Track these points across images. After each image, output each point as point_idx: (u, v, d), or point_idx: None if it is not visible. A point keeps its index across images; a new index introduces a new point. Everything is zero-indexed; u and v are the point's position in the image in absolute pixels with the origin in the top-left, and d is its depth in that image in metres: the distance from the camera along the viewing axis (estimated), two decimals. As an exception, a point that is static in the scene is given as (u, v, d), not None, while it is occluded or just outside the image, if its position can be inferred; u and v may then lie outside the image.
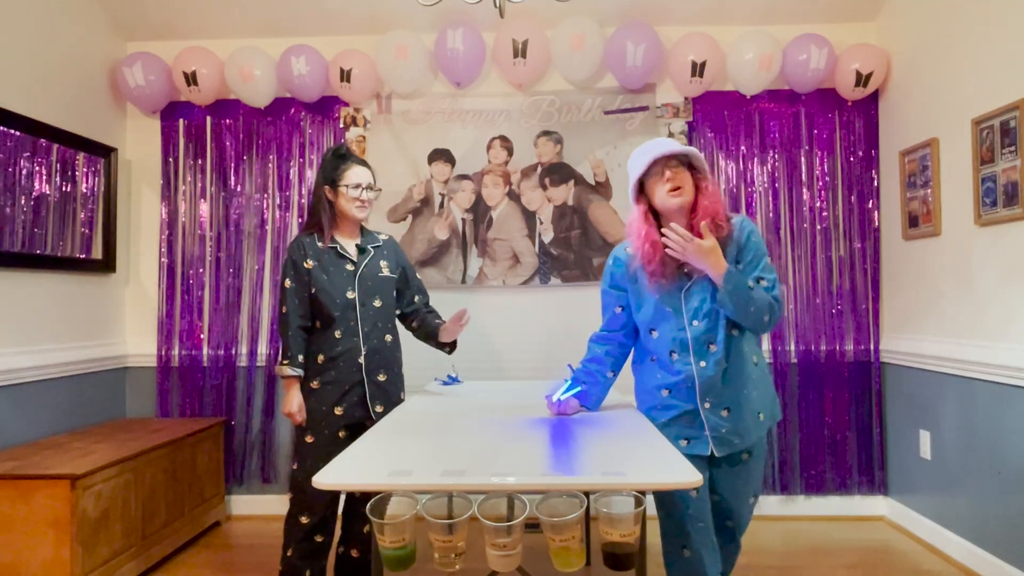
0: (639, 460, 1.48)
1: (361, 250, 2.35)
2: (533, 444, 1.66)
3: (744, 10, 3.28)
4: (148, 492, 2.72)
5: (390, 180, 3.43)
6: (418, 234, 3.41)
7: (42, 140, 2.89)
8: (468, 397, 2.38)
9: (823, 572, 2.70)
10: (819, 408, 3.33)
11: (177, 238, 3.44)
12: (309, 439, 2.26)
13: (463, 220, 3.41)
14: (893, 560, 2.83)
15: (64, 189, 3.03)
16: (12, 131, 2.73)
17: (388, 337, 2.37)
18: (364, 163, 2.35)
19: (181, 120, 3.46)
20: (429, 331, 2.48)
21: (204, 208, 3.44)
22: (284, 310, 2.27)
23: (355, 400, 2.29)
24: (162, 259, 3.44)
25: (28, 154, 2.82)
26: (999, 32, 2.50)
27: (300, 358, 2.26)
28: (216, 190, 3.44)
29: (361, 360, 2.29)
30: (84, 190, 3.16)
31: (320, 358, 2.28)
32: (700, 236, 1.74)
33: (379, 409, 2.30)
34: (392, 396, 2.37)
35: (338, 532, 2.41)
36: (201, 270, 3.43)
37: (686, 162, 1.83)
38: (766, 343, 3.32)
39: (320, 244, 2.29)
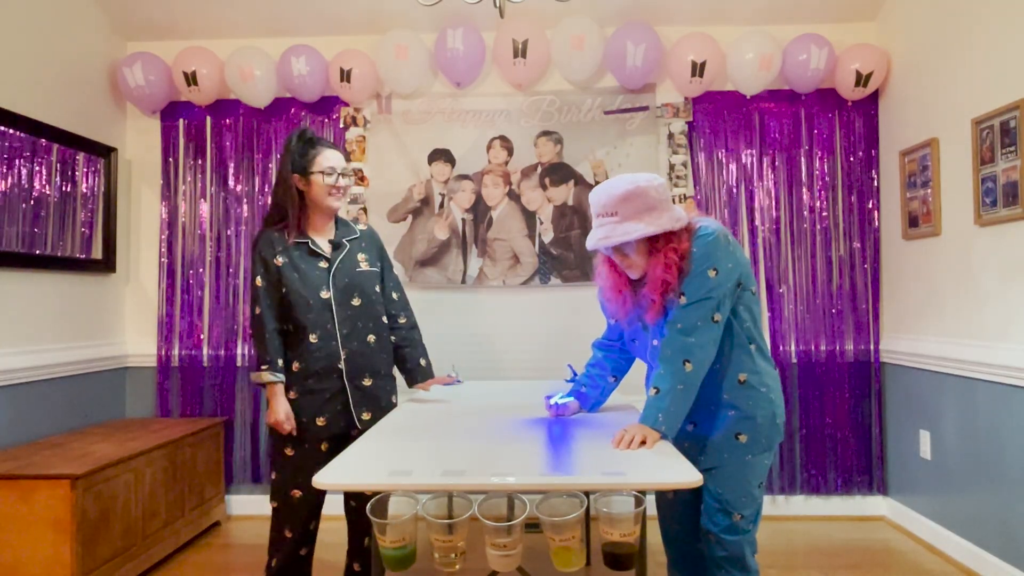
0: (639, 460, 1.48)
1: (335, 245, 2.16)
2: (533, 444, 1.66)
3: (744, 10, 3.28)
4: (148, 492, 2.72)
5: (390, 180, 3.43)
6: (418, 234, 3.41)
7: (42, 140, 2.89)
8: (468, 397, 2.38)
9: (823, 572, 2.70)
10: (819, 408, 3.33)
11: (177, 238, 3.44)
12: (289, 452, 2.11)
13: (463, 220, 3.41)
14: (893, 560, 2.83)
15: (64, 189, 3.03)
16: (12, 131, 2.73)
17: (371, 338, 2.18)
18: (335, 147, 2.17)
19: (181, 120, 3.46)
20: (405, 366, 2.32)
21: (204, 208, 3.44)
22: (258, 311, 2.09)
23: (338, 409, 2.13)
24: (162, 259, 3.44)
25: (28, 154, 2.82)
26: (999, 32, 2.50)
27: (280, 362, 2.09)
28: (216, 190, 3.44)
29: (341, 366, 2.11)
30: (84, 190, 3.16)
31: (296, 366, 2.11)
32: (662, 280, 1.65)
33: (366, 416, 2.16)
34: (381, 401, 2.21)
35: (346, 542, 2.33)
36: (201, 270, 3.43)
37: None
38: (767, 342, 3.30)
39: (288, 239, 2.10)
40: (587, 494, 1.46)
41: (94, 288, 3.25)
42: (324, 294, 2.11)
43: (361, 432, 2.12)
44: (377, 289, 2.23)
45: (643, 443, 1.57)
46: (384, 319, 2.25)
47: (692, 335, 1.62)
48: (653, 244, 1.67)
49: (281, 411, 2.08)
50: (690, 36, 3.21)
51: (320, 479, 1.37)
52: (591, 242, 1.71)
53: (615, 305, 1.82)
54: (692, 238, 1.66)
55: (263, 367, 2.08)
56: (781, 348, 3.33)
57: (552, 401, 1.98)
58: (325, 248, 2.15)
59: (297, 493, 2.10)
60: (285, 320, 2.12)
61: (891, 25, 3.23)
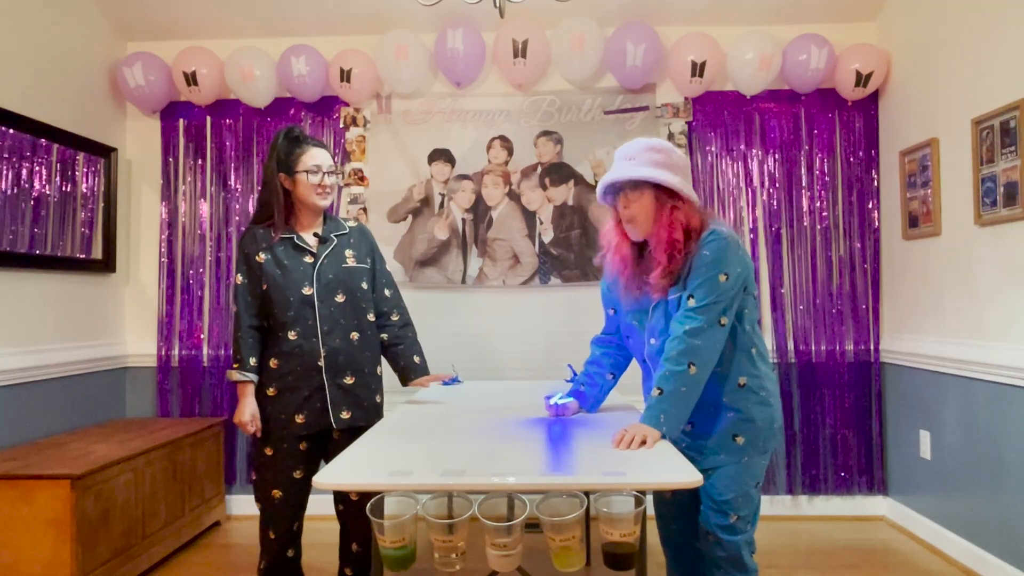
0: (639, 460, 1.48)
1: (322, 240, 2.13)
2: (533, 444, 1.66)
3: (744, 10, 3.28)
4: (148, 492, 2.72)
5: (390, 180, 3.43)
6: (418, 234, 3.41)
7: (42, 140, 2.89)
8: (468, 397, 2.38)
9: (823, 572, 2.70)
10: (819, 408, 3.33)
11: (177, 238, 3.44)
12: (268, 451, 2.08)
13: (463, 220, 3.41)
14: (893, 560, 2.83)
15: (64, 189, 3.03)
16: (12, 131, 2.73)
17: (354, 335, 2.12)
18: (322, 144, 2.13)
19: (181, 120, 3.46)
20: (398, 364, 2.27)
21: (204, 208, 3.44)
22: (235, 308, 2.10)
23: (317, 407, 2.08)
24: (162, 259, 3.44)
25: (28, 154, 2.82)
26: (999, 32, 2.50)
27: (252, 361, 2.07)
28: (216, 190, 3.44)
29: (320, 363, 2.06)
30: (84, 190, 3.16)
31: (274, 362, 2.08)
32: (668, 248, 1.66)
33: (345, 415, 2.09)
34: (364, 400, 2.14)
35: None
36: (201, 270, 3.43)
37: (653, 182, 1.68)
38: (768, 342, 3.30)
39: (274, 236, 2.08)
40: (587, 494, 1.46)
41: (94, 288, 3.25)
42: (306, 290, 2.07)
43: (339, 431, 2.11)
44: (364, 286, 2.17)
45: (643, 443, 1.57)
46: (371, 316, 2.20)
47: (698, 338, 1.62)
48: (661, 204, 1.68)
49: (246, 412, 2.06)
50: (690, 36, 3.21)
51: (320, 479, 1.37)
52: (603, 182, 1.73)
53: (613, 267, 1.81)
54: (702, 236, 1.67)
55: (235, 365, 2.08)
56: (781, 348, 3.33)
57: (552, 401, 1.98)
58: (311, 242, 2.12)
59: (277, 493, 2.08)
60: (265, 317, 2.10)
61: (891, 25, 3.23)
